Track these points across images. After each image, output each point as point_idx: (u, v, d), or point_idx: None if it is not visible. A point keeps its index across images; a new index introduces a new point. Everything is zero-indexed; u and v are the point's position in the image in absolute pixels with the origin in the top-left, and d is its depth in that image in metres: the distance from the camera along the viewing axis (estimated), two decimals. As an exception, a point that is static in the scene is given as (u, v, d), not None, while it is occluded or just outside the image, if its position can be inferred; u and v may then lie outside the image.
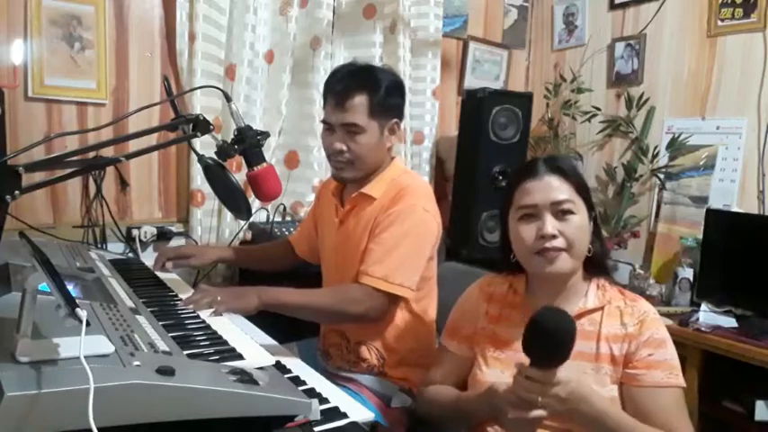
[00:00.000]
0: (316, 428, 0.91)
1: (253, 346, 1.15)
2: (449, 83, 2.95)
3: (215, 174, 1.26)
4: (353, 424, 0.96)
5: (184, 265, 1.79)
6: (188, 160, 2.20)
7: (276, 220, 2.33)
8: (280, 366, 1.13)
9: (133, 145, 1.41)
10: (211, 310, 1.32)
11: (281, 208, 2.40)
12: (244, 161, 1.26)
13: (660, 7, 2.65)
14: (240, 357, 1.08)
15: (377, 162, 1.53)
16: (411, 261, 1.43)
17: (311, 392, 1.05)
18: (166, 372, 0.79)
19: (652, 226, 2.66)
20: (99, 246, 2.04)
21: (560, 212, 1.11)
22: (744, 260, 2.15)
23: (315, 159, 2.39)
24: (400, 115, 1.55)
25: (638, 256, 2.69)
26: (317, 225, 1.74)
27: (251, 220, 2.16)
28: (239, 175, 1.80)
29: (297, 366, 1.18)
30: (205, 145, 1.87)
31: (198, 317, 1.29)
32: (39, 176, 1.04)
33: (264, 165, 1.26)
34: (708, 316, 2.10)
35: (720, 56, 2.46)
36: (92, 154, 1.20)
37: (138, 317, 1.14)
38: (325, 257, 1.67)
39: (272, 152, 2.37)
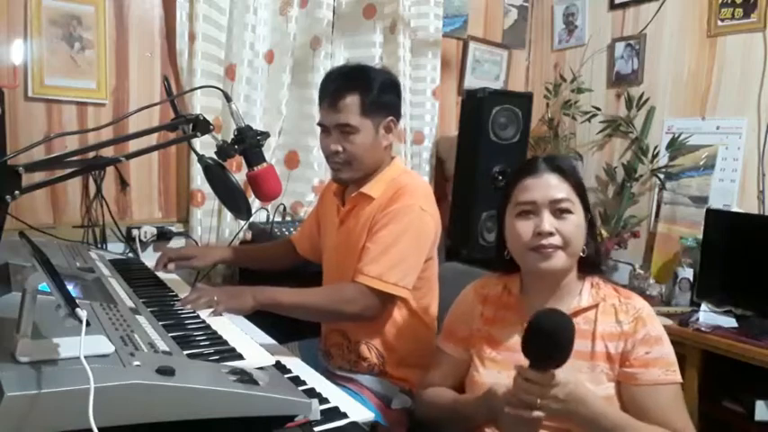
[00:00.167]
0: (316, 428, 0.91)
1: (253, 346, 1.15)
2: (449, 83, 2.95)
3: (215, 174, 1.25)
4: (353, 424, 0.97)
5: (186, 266, 1.80)
6: (188, 160, 2.20)
7: (276, 220, 2.33)
8: (280, 366, 1.13)
9: (133, 145, 1.41)
10: (210, 309, 1.32)
11: (281, 208, 2.40)
12: (244, 161, 1.26)
13: (660, 7, 2.65)
14: (240, 357, 1.08)
15: (375, 162, 1.53)
16: (407, 260, 1.43)
17: (311, 392, 1.05)
18: (166, 372, 0.79)
19: (652, 226, 2.66)
20: (99, 246, 2.04)
21: (558, 211, 1.12)
22: (744, 260, 2.15)
23: (315, 159, 2.39)
24: (396, 113, 1.55)
25: (638, 256, 2.69)
26: (320, 225, 1.75)
27: (251, 220, 2.16)
28: (239, 175, 1.80)
29: (297, 366, 1.18)
30: (205, 145, 1.87)
31: (198, 317, 1.29)
32: (39, 176, 1.04)
33: (264, 165, 1.26)
34: (708, 316, 2.10)
35: (720, 56, 2.46)
36: (92, 154, 1.20)
37: (138, 317, 1.14)
38: (326, 257, 1.68)
39: (272, 152, 2.37)
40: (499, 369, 1.16)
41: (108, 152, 1.69)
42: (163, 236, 2.17)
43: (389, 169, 1.55)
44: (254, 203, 2.14)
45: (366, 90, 1.47)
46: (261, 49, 2.28)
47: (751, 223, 2.23)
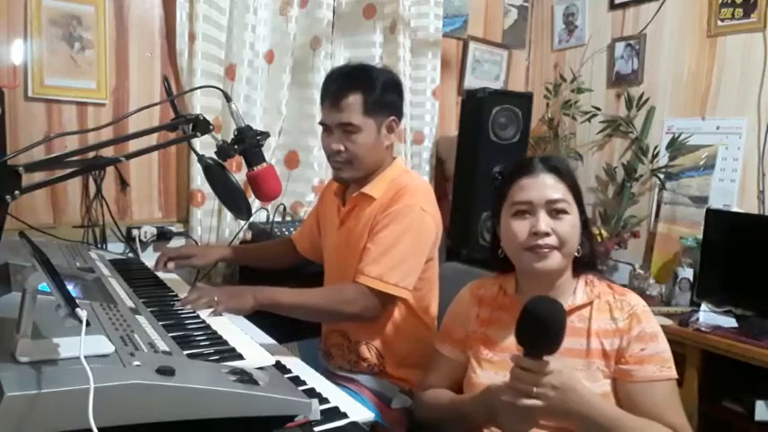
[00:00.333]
0: (316, 428, 0.91)
1: (253, 346, 1.15)
2: (449, 83, 2.95)
3: (215, 174, 1.25)
4: (353, 424, 0.97)
5: (186, 266, 1.80)
6: (188, 160, 2.20)
7: (276, 220, 2.33)
8: (280, 366, 1.13)
9: (133, 145, 1.41)
10: (210, 309, 1.32)
11: (281, 208, 2.40)
12: (244, 161, 1.26)
13: (660, 7, 2.65)
14: (240, 357, 1.08)
15: (376, 161, 1.53)
16: (408, 261, 1.43)
17: (311, 392, 1.05)
18: (166, 372, 0.79)
19: (652, 226, 2.66)
20: (99, 246, 2.04)
21: (554, 211, 1.12)
22: (744, 260, 2.15)
23: (315, 159, 2.39)
24: (398, 113, 1.55)
25: (638, 256, 2.69)
26: (320, 224, 1.75)
27: (251, 220, 2.16)
28: (239, 175, 1.80)
29: (297, 366, 1.18)
30: (205, 145, 1.87)
31: (198, 317, 1.29)
32: (39, 176, 1.04)
33: (264, 165, 1.25)
34: (708, 316, 2.10)
35: (720, 56, 2.46)
36: (92, 154, 1.20)
37: (138, 317, 1.14)
38: (326, 257, 1.68)
39: (272, 152, 2.37)
40: (496, 370, 1.16)
41: (108, 152, 1.69)
42: (163, 236, 2.17)
43: (390, 169, 1.55)
44: (254, 203, 2.14)
45: (369, 89, 1.47)
46: (261, 49, 2.28)
47: (751, 223, 2.23)
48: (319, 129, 1.59)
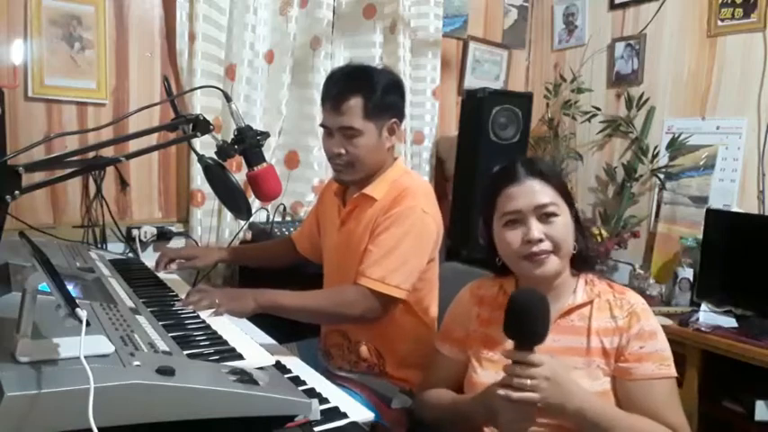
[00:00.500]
0: (316, 428, 0.91)
1: (253, 346, 1.15)
2: (449, 83, 2.95)
3: (215, 174, 1.25)
4: (353, 424, 0.97)
5: (187, 267, 1.80)
6: (188, 160, 2.20)
7: (276, 220, 2.33)
8: (280, 366, 1.13)
9: (133, 145, 1.41)
10: (211, 310, 1.32)
11: (281, 208, 2.40)
12: (244, 161, 1.26)
13: (660, 7, 2.65)
14: (240, 357, 1.08)
15: (377, 163, 1.53)
16: (409, 263, 1.43)
17: (311, 392, 1.05)
18: (166, 372, 0.79)
19: (652, 226, 2.66)
20: (99, 246, 2.04)
21: (544, 215, 1.12)
22: (744, 260, 2.15)
23: (315, 159, 2.39)
24: (399, 115, 1.54)
25: (638, 256, 2.69)
26: (320, 224, 1.74)
27: (251, 220, 2.16)
28: (239, 175, 1.80)
29: (297, 366, 1.18)
30: (205, 145, 1.87)
31: (198, 317, 1.29)
32: (39, 176, 1.04)
33: (264, 165, 1.25)
34: (708, 316, 2.10)
35: (720, 56, 2.46)
36: (92, 154, 1.20)
37: (138, 317, 1.14)
38: (326, 257, 1.68)
39: (272, 152, 2.37)
40: (497, 370, 1.15)
41: (108, 152, 1.69)
42: (163, 236, 2.17)
43: (391, 170, 1.55)
44: (254, 203, 2.14)
45: (369, 92, 1.46)
46: (261, 49, 2.28)
47: (751, 223, 2.23)
48: (319, 129, 1.59)
